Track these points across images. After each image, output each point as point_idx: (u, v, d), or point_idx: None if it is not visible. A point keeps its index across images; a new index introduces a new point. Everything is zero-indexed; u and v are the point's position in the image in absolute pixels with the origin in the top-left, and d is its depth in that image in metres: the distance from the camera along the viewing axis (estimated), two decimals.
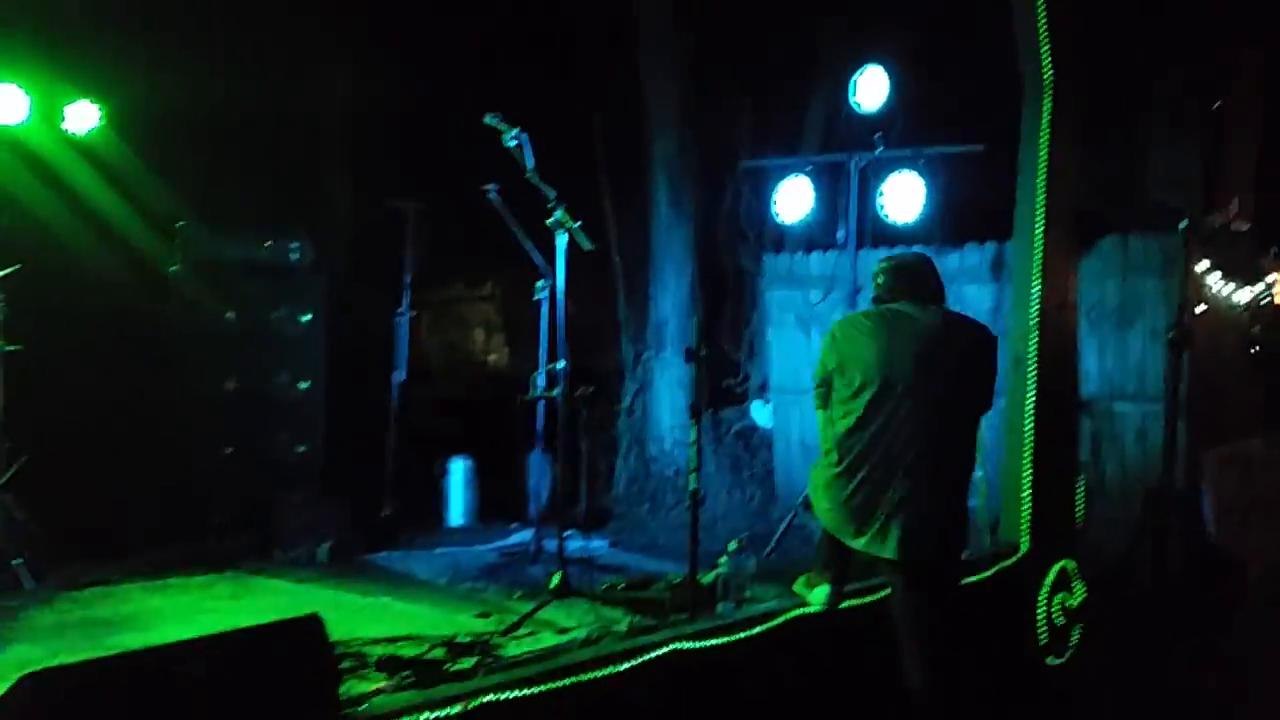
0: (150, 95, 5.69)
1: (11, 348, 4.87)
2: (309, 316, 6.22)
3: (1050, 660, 4.41)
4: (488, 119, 4.91)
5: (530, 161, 4.88)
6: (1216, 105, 4.77)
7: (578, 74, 7.67)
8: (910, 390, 3.32)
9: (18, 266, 4.80)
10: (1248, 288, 7.20)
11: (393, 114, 6.83)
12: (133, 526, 5.36)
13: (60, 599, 4.45)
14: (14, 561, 4.51)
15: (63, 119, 5.37)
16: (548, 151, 5.02)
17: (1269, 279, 7.57)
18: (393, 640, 3.92)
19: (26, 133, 5.25)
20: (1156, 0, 6.42)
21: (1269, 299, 7.62)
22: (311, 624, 2.65)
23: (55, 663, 2.65)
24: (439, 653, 3.78)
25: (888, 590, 3.85)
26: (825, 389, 3.53)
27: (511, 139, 4.88)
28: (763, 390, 7.55)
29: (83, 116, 5.39)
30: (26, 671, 2.19)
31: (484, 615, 4.39)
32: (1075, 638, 4.52)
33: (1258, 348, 7.39)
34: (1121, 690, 4.33)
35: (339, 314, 6.39)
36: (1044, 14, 4.55)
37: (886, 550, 3.29)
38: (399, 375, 6.45)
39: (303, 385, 6.18)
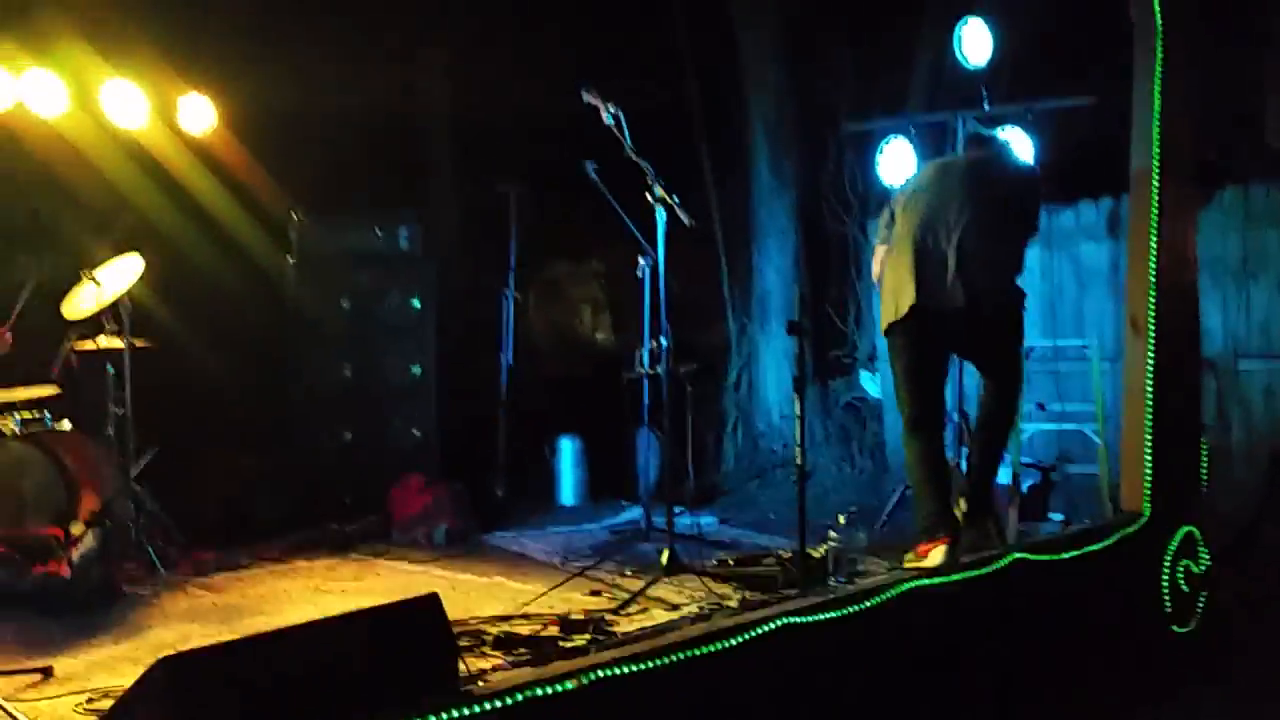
0: (261, 92, 5.86)
1: (142, 345, 5.07)
2: (419, 303, 6.36)
3: (1175, 629, 4.28)
4: (585, 96, 4.93)
5: (628, 137, 4.88)
6: None
7: (673, 42, 7.63)
8: (963, 206, 4.24)
9: (143, 266, 4.99)
10: None
11: (492, 98, 6.91)
12: (259, 514, 5.56)
13: (193, 585, 4.64)
14: (149, 550, 4.71)
15: (178, 118, 5.52)
16: (647, 125, 5.02)
17: None
18: (507, 618, 4.00)
19: (144, 134, 5.42)
20: None
21: None
22: (430, 603, 2.73)
23: (189, 646, 2.78)
24: (553, 630, 3.85)
25: (1004, 561, 3.79)
26: (890, 222, 4.44)
27: (609, 115, 4.89)
28: (871, 360, 7.45)
29: (197, 115, 5.53)
30: (162, 656, 2.29)
31: (596, 593, 4.45)
32: (1201, 605, 4.37)
33: None
34: (1250, 659, 4.17)
35: (448, 299, 6.51)
36: None
37: (955, 298, 4.14)
38: (507, 357, 6.55)
39: (416, 370, 6.33)
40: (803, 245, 7.62)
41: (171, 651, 2.35)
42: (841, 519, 4.45)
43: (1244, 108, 5.75)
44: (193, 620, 4.16)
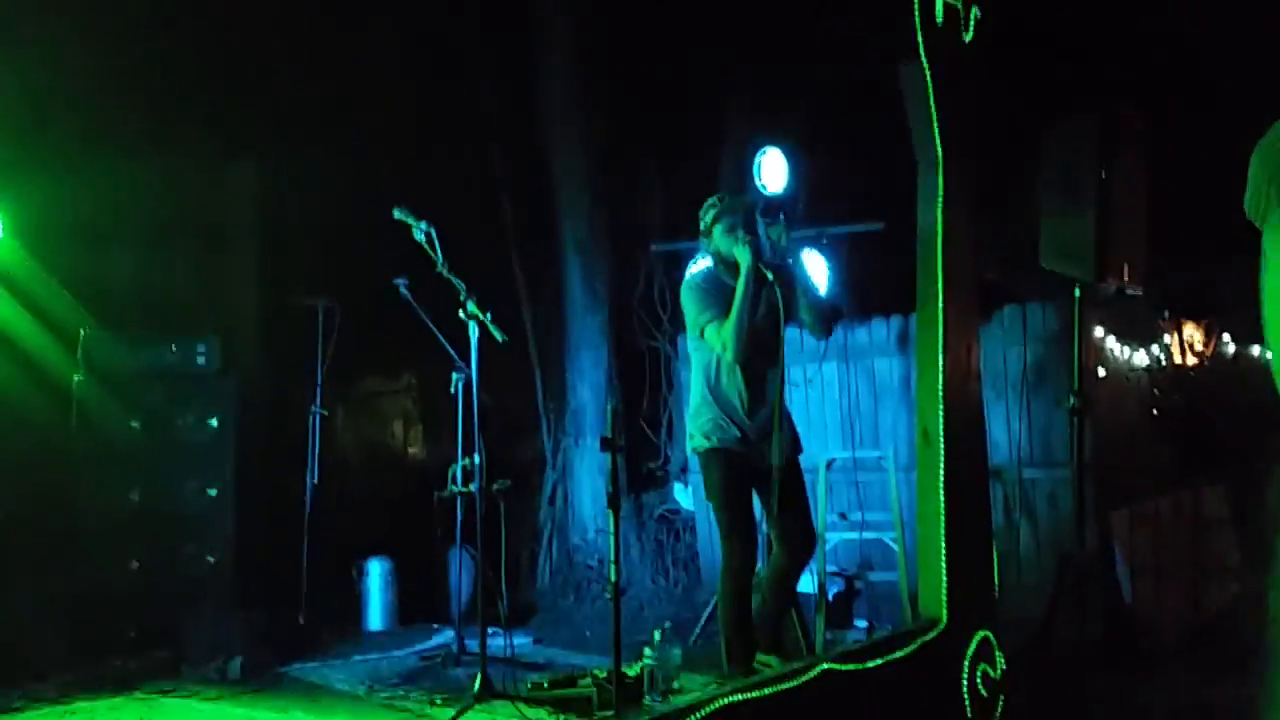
0: (52, 201, 5.59)
1: None
2: (217, 421, 6.09)
3: None
4: (396, 213, 4.92)
5: (440, 254, 4.88)
6: (1104, 173, 4.95)
7: (486, 161, 7.73)
8: None
9: None
10: (1144, 351, 7.44)
11: (301, 211, 6.80)
12: (38, 648, 5.15)
13: None
14: None
15: None
16: (459, 242, 5.03)
17: (1164, 341, 7.84)
18: None
19: None
20: (1043, 68, 6.70)
21: (1166, 361, 7.89)
22: None
23: None
24: None
25: (813, 671, 3.85)
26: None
27: (421, 232, 4.89)
28: (683, 472, 7.55)
29: None
30: None
31: None
32: (1000, 708, 4.52)
33: (1158, 410, 7.62)
34: None
35: (249, 416, 6.26)
36: (932, 90, 4.70)
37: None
38: (312, 476, 6.32)
39: (211, 492, 6.02)
40: (615, 360, 7.73)
41: None
42: (657, 635, 4.44)
43: (1020, 232, 6.22)
44: None
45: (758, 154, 6.27)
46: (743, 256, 4.38)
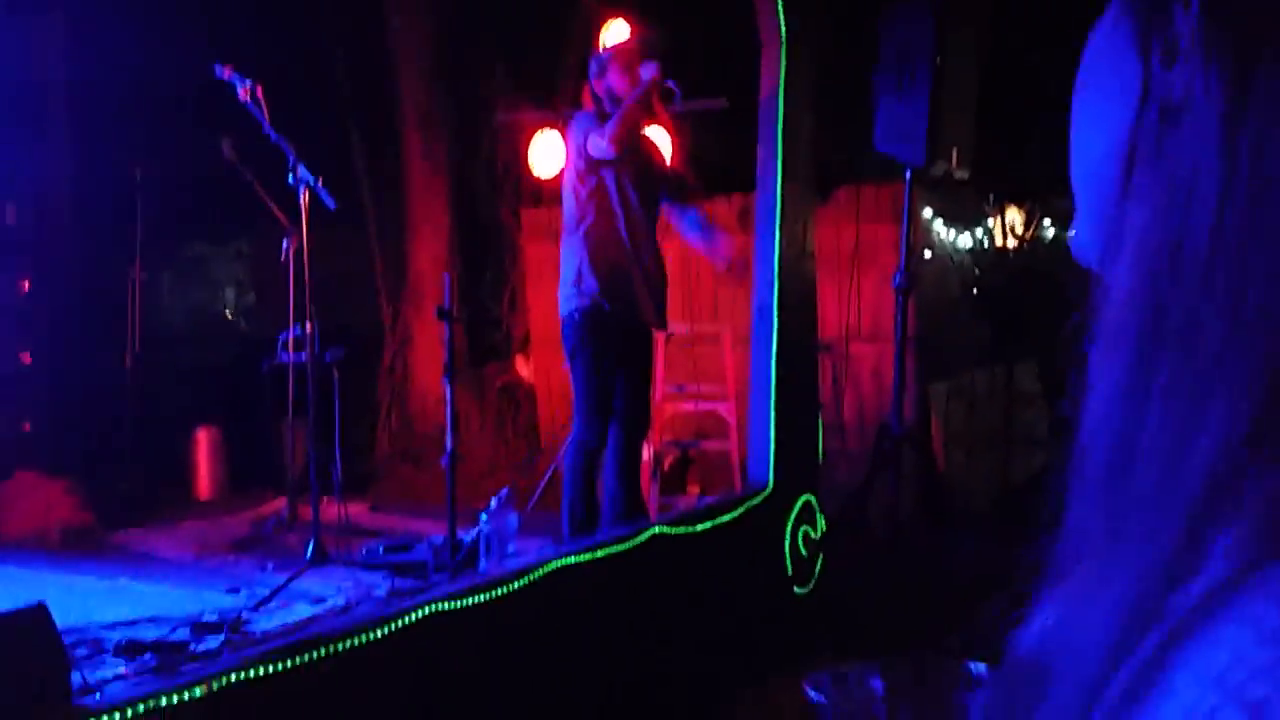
0: None
1: None
2: (27, 283, 5.75)
3: (797, 589, 4.68)
4: (218, 71, 4.66)
5: (265, 116, 4.66)
6: (938, 57, 5.05)
7: (320, 21, 7.36)
8: None
9: None
10: (968, 233, 7.76)
11: (117, 68, 6.35)
12: None
13: None
14: None
15: None
16: (291, 107, 4.82)
17: (988, 224, 8.18)
18: (132, 623, 3.72)
19: None
20: None
21: (989, 244, 8.25)
22: (36, 613, 2.49)
23: None
24: (183, 633, 3.62)
25: (644, 535, 3.98)
26: None
27: (245, 92, 4.65)
28: (525, 345, 7.57)
29: None
30: None
31: (233, 590, 4.23)
32: (818, 567, 4.80)
33: (978, 289, 8.00)
34: (859, 613, 4.64)
35: (62, 279, 5.94)
36: None
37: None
38: (134, 341, 6.07)
39: (24, 357, 5.72)
40: (457, 231, 7.61)
41: None
42: (493, 501, 4.50)
43: (857, 114, 6.34)
44: None
45: (604, 27, 6.18)
46: (646, 72, 4.38)
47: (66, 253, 6.03)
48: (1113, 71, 0.55)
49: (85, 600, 4.06)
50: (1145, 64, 0.53)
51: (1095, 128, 0.57)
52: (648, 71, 4.40)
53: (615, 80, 4.48)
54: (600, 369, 4.35)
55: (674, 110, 5.87)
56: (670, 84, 4.49)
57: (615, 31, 6.11)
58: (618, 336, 4.37)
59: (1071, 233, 0.64)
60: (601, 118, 4.41)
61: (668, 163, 4.89)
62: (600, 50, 4.66)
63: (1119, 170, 0.54)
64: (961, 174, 5.31)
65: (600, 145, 4.29)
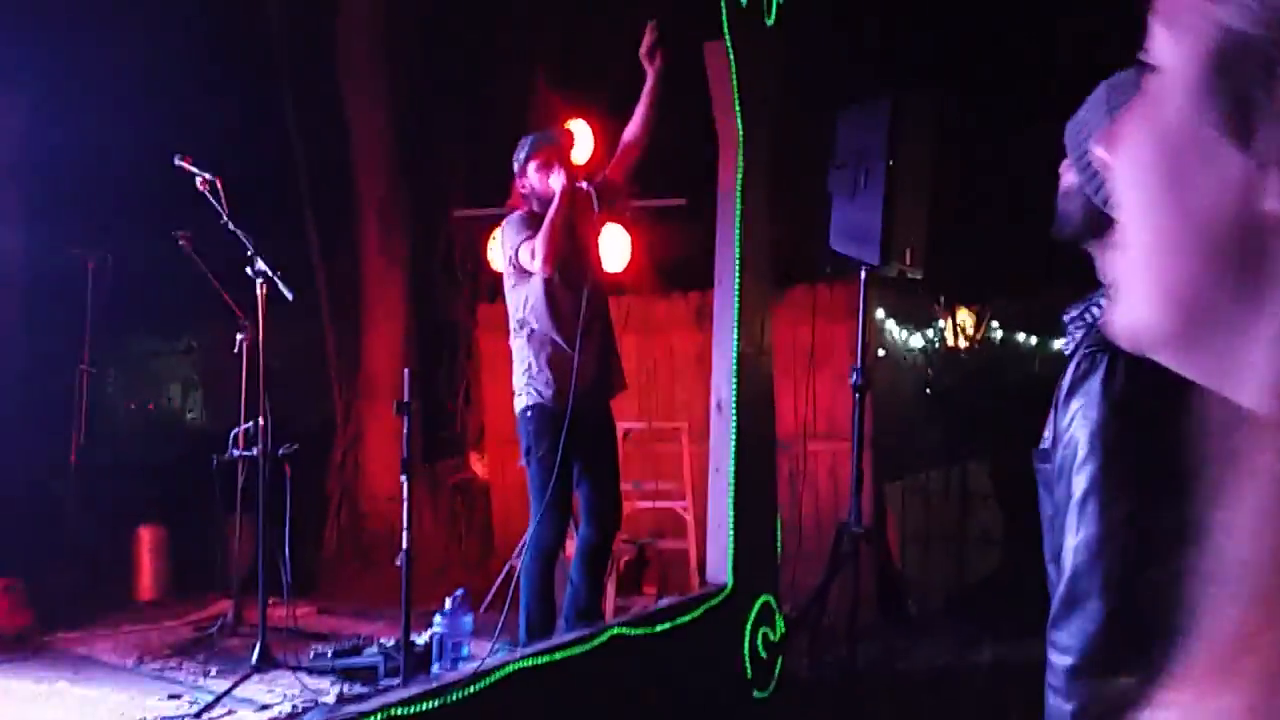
0: None
1: None
2: None
3: (756, 693, 4.58)
4: (177, 160, 4.65)
5: (225, 206, 4.64)
6: (892, 160, 5.17)
7: (280, 113, 7.40)
8: None
9: None
10: (920, 333, 7.87)
11: (74, 154, 6.32)
12: None
13: None
14: None
15: None
16: (248, 197, 4.80)
17: (939, 324, 8.31)
18: None
19: None
20: (842, 51, 6.93)
21: (940, 343, 8.36)
22: None
23: None
24: None
25: (603, 636, 3.90)
26: None
27: (204, 182, 4.63)
28: (480, 441, 7.50)
29: None
30: None
31: (175, 696, 4.07)
32: (778, 669, 4.72)
33: (930, 389, 8.08)
34: (818, 715, 4.56)
35: (9, 372, 5.81)
36: (735, 68, 4.81)
37: None
38: (80, 437, 5.92)
39: None
40: (413, 325, 7.57)
41: None
42: (448, 602, 4.40)
43: (813, 214, 6.46)
44: None
45: (564, 122, 6.27)
46: (556, 183, 4.33)
47: (14, 345, 5.90)
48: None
49: (22, 705, 3.88)
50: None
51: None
52: (557, 182, 4.33)
53: (533, 178, 4.48)
54: (555, 466, 4.27)
55: (632, 208, 5.95)
56: (584, 186, 4.43)
57: (575, 134, 6.22)
58: (573, 432, 4.30)
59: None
60: (532, 220, 4.38)
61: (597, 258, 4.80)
62: (525, 139, 4.62)
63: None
64: (915, 273, 5.40)
65: (533, 264, 4.28)
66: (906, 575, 6.19)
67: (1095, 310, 1.57)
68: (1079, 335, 1.58)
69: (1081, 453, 1.45)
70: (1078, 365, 1.51)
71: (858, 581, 4.94)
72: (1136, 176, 0.51)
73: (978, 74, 8.60)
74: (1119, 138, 0.53)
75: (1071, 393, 1.50)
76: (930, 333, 8.12)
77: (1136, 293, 0.52)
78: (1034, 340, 10.26)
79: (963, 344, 9.02)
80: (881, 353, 6.91)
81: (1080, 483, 1.44)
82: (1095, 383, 1.46)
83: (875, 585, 5.60)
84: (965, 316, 9.04)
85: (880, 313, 6.97)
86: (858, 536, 4.97)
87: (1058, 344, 10.53)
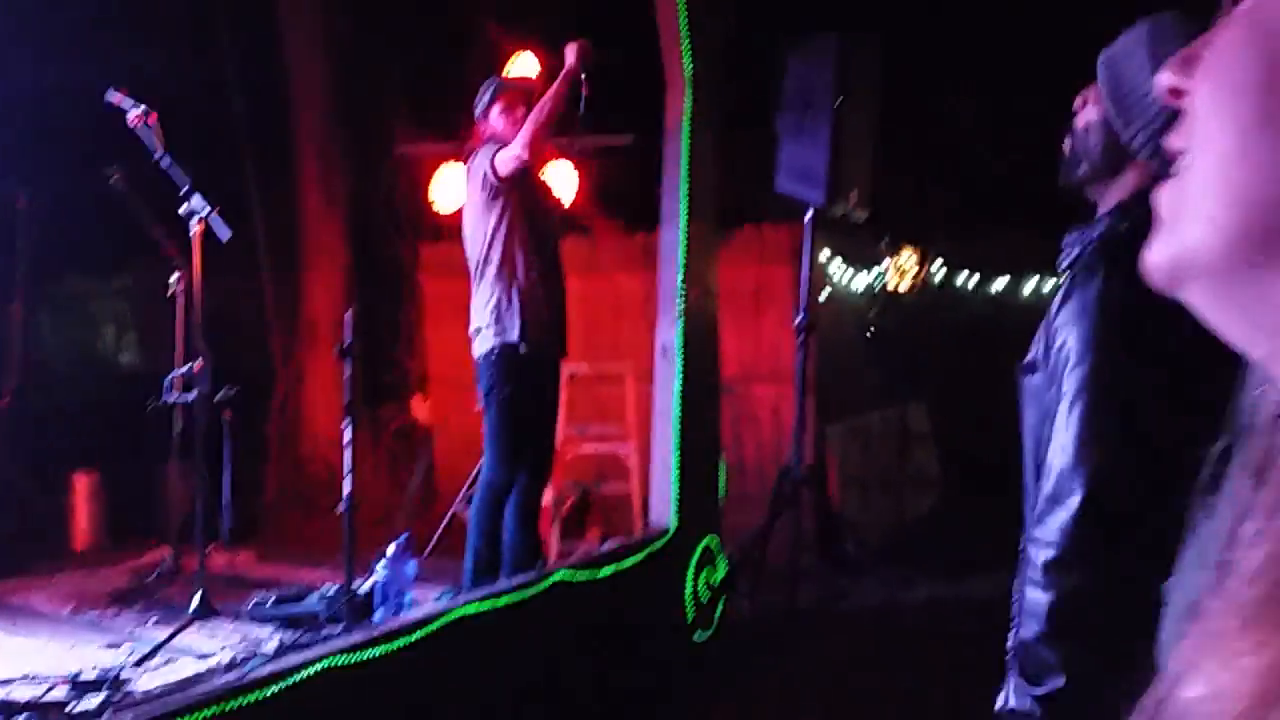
0: None
1: None
2: None
3: (698, 635, 4.63)
4: (108, 96, 4.48)
5: (158, 144, 4.49)
6: (839, 102, 5.13)
7: (217, 51, 7.17)
8: None
9: None
10: (864, 275, 7.89)
11: (3, 94, 6.08)
12: None
13: None
14: None
15: None
16: (183, 135, 4.65)
17: (883, 266, 8.34)
18: (7, 682, 3.50)
19: None
20: None
21: (883, 285, 8.40)
22: None
23: None
24: (61, 692, 3.41)
25: (546, 583, 3.90)
26: None
27: (135, 119, 4.47)
28: (422, 385, 7.42)
29: None
30: None
31: (114, 646, 4.01)
32: (719, 610, 4.77)
33: (873, 330, 8.13)
34: (760, 656, 4.62)
35: None
36: (685, 10, 4.73)
37: None
38: (9, 381, 5.77)
39: None
40: (354, 267, 7.44)
41: None
42: (390, 548, 4.37)
43: (759, 155, 6.41)
44: None
45: (509, 59, 6.13)
46: (570, 56, 4.32)
47: None
48: None
49: None
50: None
51: None
52: (570, 55, 4.28)
53: (496, 121, 4.42)
54: (518, 409, 4.26)
55: (579, 144, 5.86)
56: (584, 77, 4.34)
57: (521, 64, 6.09)
58: (534, 375, 4.30)
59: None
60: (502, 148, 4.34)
61: (557, 198, 4.82)
62: (489, 82, 4.55)
63: None
64: (860, 215, 5.40)
65: (511, 154, 4.21)
66: (846, 517, 6.27)
67: (1093, 233, 1.61)
68: (1075, 253, 1.62)
69: (1073, 357, 1.50)
70: (1073, 277, 1.58)
71: (799, 523, 5.00)
72: (1232, 99, 0.49)
73: (925, 20, 8.56)
74: (1207, 61, 0.51)
75: (1066, 300, 1.56)
76: (873, 274, 8.16)
77: (1200, 210, 0.50)
78: (974, 281, 10.35)
79: (904, 286, 9.07)
80: (825, 294, 6.92)
81: (1071, 385, 1.49)
82: (1090, 291, 1.51)
83: (816, 527, 5.67)
84: (908, 257, 9.08)
85: (825, 254, 6.97)
86: (798, 478, 5.01)
87: (998, 285, 10.63)
